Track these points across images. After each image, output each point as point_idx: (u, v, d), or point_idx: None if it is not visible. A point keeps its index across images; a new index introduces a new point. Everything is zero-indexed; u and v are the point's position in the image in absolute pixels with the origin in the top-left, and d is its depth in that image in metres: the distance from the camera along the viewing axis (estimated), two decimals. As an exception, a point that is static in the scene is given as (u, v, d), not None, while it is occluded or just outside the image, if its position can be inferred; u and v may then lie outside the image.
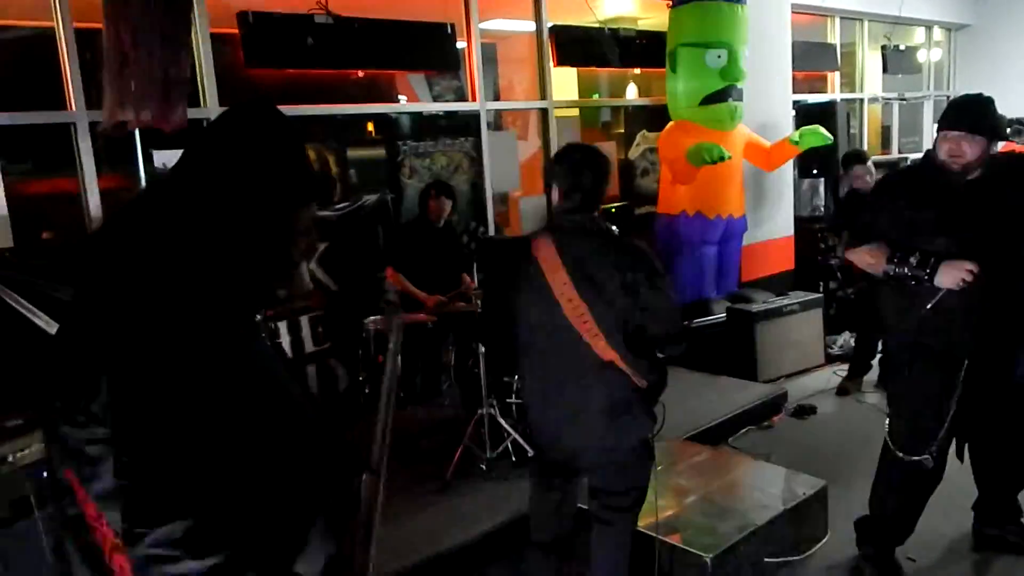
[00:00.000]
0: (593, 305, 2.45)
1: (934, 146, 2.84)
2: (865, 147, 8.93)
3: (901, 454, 2.92)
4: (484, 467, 3.80)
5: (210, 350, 1.18)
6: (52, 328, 3.52)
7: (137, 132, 4.30)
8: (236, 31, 4.44)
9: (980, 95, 2.82)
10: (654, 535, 2.95)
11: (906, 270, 2.73)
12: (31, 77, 4.23)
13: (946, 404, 2.82)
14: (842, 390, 5.35)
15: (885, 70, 8.95)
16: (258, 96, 1.36)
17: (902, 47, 9.10)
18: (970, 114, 2.77)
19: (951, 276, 2.64)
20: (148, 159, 4.42)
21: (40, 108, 3.95)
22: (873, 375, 5.38)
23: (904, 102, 9.38)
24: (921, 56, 9.80)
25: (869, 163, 5.31)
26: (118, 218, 1.30)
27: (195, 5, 4.17)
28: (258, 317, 1.43)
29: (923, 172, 2.92)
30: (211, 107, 4.36)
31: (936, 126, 2.94)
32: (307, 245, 1.35)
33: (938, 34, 10.09)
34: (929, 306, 2.69)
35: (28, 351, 3.49)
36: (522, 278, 2.54)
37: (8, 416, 2.89)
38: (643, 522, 3.06)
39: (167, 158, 4.29)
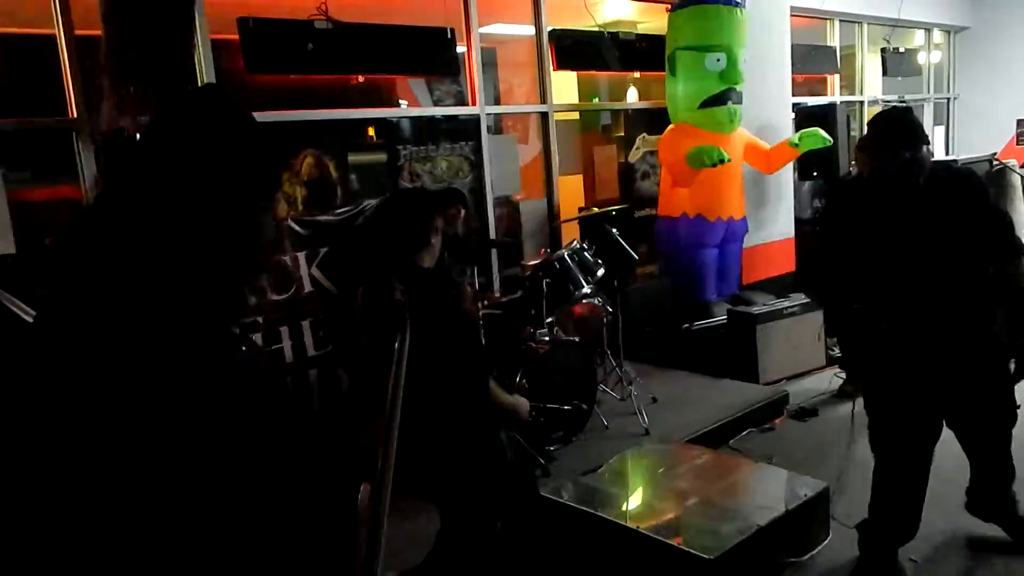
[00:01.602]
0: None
1: (879, 162, 2.97)
2: (865, 149, 8.94)
3: (876, 455, 3.06)
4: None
5: (179, 368, 1.06)
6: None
7: (138, 138, 4.32)
8: (236, 37, 4.45)
9: (900, 110, 2.97)
10: (656, 537, 2.96)
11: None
12: (32, 84, 4.24)
13: (913, 408, 2.92)
14: (843, 392, 5.35)
15: (885, 72, 8.97)
16: (206, 84, 1.28)
17: (902, 49, 9.12)
18: (911, 134, 2.88)
19: None
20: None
21: (41, 114, 3.96)
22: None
23: (904, 104, 9.37)
24: (921, 58, 9.81)
25: None
26: (68, 236, 1.15)
27: (195, 11, 4.19)
28: (236, 330, 1.27)
29: (876, 181, 3.02)
30: (212, 113, 4.37)
31: (939, 129, 3.06)
32: (273, 245, 1.26)
33: (937, 36, 10.11)
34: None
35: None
36: None
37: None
38: (645, 524, 3.07)
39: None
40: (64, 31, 3.91)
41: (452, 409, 2.51)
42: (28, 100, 4.10)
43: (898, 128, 2.89)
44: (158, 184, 1.12)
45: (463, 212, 4.51)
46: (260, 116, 4.79)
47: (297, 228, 4.50)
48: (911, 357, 2.90)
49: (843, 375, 5.53)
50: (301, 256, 4.50)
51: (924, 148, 2.86)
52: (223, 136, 1.14)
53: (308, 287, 4.52)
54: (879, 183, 2.95)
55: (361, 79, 5.34)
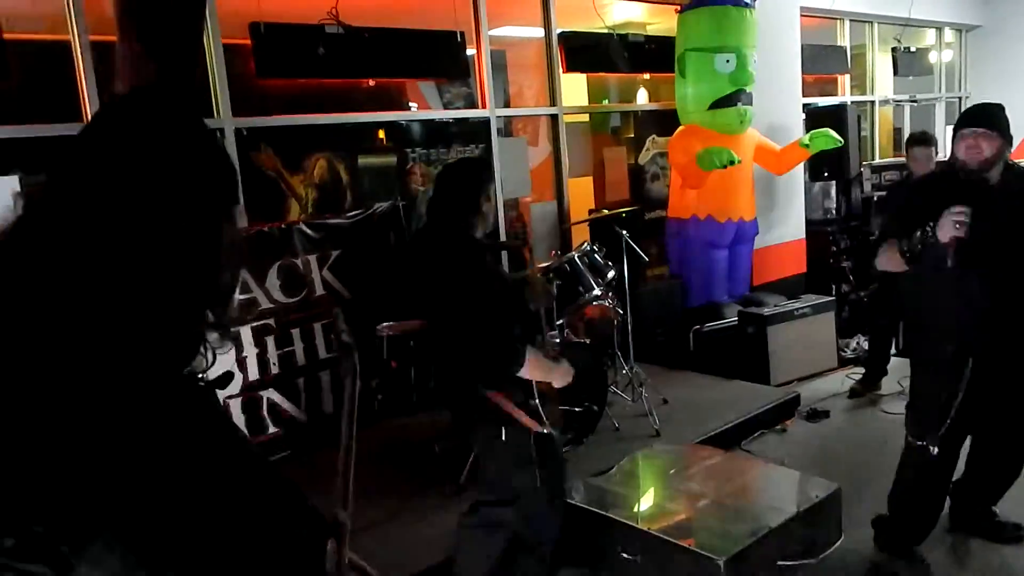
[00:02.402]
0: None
1: (953, 151, 2.95)
2: (876, 150, 8.92)
3: (910, 437, 3.08)
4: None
5: (119, 421, 0.90)
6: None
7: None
8: (248, 42, 4.49)
9: (992, 103, 2.97)
10: (668, 538, 2.96)
11: (916, 241, 2.79)
12: (47, 90, 4.29)
13: (950, 399, 2.90)
14: (854, 392, 5.34)
15: (896, 72, 8.92)
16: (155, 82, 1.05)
17: (913, 49, 9.07)
18: (984, 114, 2.92)
19: (947, 226, 2.68)
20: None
21: (56, 120, 4.00)
22: (884, 379, 5.36)
23: (915, 104, 9.34)
24: (932, 58, 9.76)
25: (931, 149, 4.84)
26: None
27: (207, 16, 4.23)
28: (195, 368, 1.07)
29: (947, 175, 3.00)
30: (224, 117, 4.41)
31: (951, 129, 3.05)
32: (237, 265, 1.09)
33: (949, 35, 10.05)
34: (950, 263, 2.70)
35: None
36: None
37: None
38: (657, 525, 3.07)
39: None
40: (79, 37, 3.95)
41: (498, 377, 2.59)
42: (44, 106, 4.14)
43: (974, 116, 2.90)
44: (90, 192, 0.94)
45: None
46: (271, 120, 4.85)
47: (308, 231, 4.53)
48: (974, 347, 2.87)
49: (855, 375, 5.52)
50: (313, 259, 4.53)
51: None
52: (164, 142, 0.98)
53: (320, 290, 4.55)
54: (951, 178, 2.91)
55: (372, 83, 5.36)
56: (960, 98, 10.31)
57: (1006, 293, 2.82)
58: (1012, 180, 2.87)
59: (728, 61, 5.75)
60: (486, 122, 5.61)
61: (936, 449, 2.95)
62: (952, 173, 2.93)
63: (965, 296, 2.82)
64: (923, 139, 4.88)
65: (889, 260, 2.95)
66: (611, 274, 4.55)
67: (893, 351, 5.36)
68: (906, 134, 9.45)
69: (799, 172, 7.06)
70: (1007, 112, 2.97)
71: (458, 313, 2.52)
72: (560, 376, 2.75)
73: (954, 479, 3.23)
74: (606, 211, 5.59)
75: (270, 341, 4.31)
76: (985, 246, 2.75)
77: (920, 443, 3.01)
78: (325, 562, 1.19)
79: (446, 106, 5.96)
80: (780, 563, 3.08)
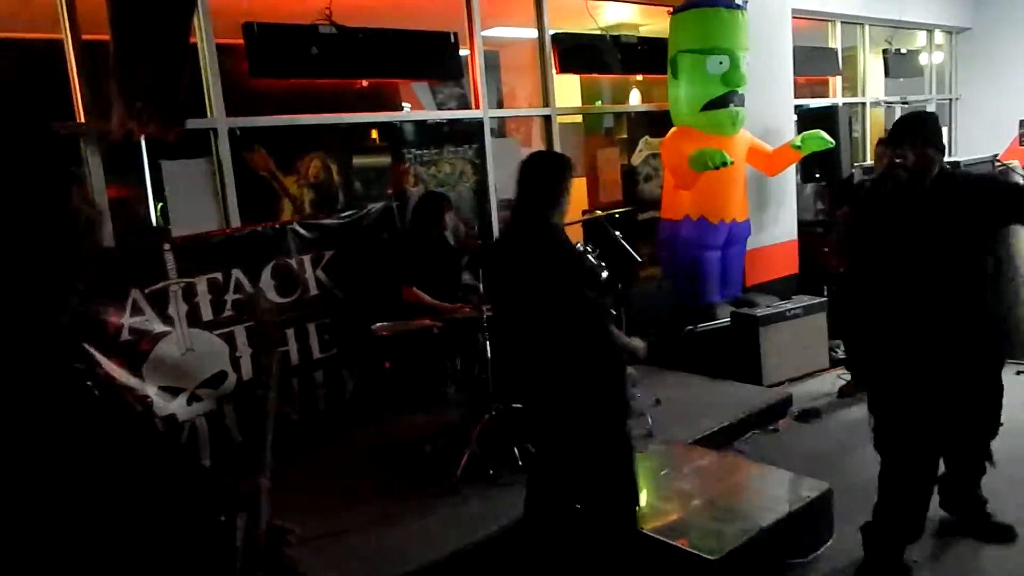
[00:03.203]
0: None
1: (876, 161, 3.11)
2: (867, 151, 8.95)
3: (881, 456, 3.10)
4: (491, 472, 3.82)
5: None
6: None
7: (144, 142, 4.35)
8: (241, 42, 4.48)
9: (921, 111, 3.08)
10: (660, 538, 2.97)
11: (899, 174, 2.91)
12: (39, 89, 4.27)
13: (917, 407, 2.95)
14: (843, 392, 5.37)
15: (887, 74, 8.97)
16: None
17: (903, 51, 9.12)
18: (913, 127, 3.01)
19: None
20: (155, 168, 4.46)
21: (49, 119, 3.98)
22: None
23: (906, 105, 9.39)
24: (923, 59, 9.81)
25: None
26: None
27: (200, 17, 4.22)
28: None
29: (887, 179, 3.08)
30: (217, 117, 4.40)
31: (945, 131, 3.15)
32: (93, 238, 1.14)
33: (939, 37, 10.11)
34: None
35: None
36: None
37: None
38: (649, 525, 3.09)
39: (175, 167, 4.34)
40: (71, 36, 3.94)
41: (587, 360, 2.69)
42: (36, 105, 4.12)
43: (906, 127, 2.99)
44: None
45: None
46: (265, 120, 4.84)
47: (302, 231, 4.53)
48: (918, 358, 2.94)
49: (846, 376, 5.55)
50: (307, 259, 4.53)
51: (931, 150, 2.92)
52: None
53: (314, 290, 4.55)
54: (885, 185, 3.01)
55: (365, 83, 5.37)
56: (951, 99, 10.37)
57: (945, 295, 2.90)
58: (944, 186, 2.94)
59: (720, 63, 5.77)
60: (479, 123, 5.61)
61: (913, 462, 3.01)
62: (893, 178, 3.03)
63: (908, 304, 2.91)
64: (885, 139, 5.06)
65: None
66: (604, 275, 4.56)
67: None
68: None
69: (791, 173, 7.08)
70: (994, 111, 3.07)
71: (569, 297, 2.61)
72: (637, 351, 2.88)
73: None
74: (599, 212, 5.60)
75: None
76: (920, 251, 2.87)
77: (890, 467, 3.07)
78: (235, 536, 1.24)
79: (439, 107, 5.97)
80: (772, 562, 3.11)
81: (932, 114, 3.15)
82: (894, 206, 2.96)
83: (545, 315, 2.67)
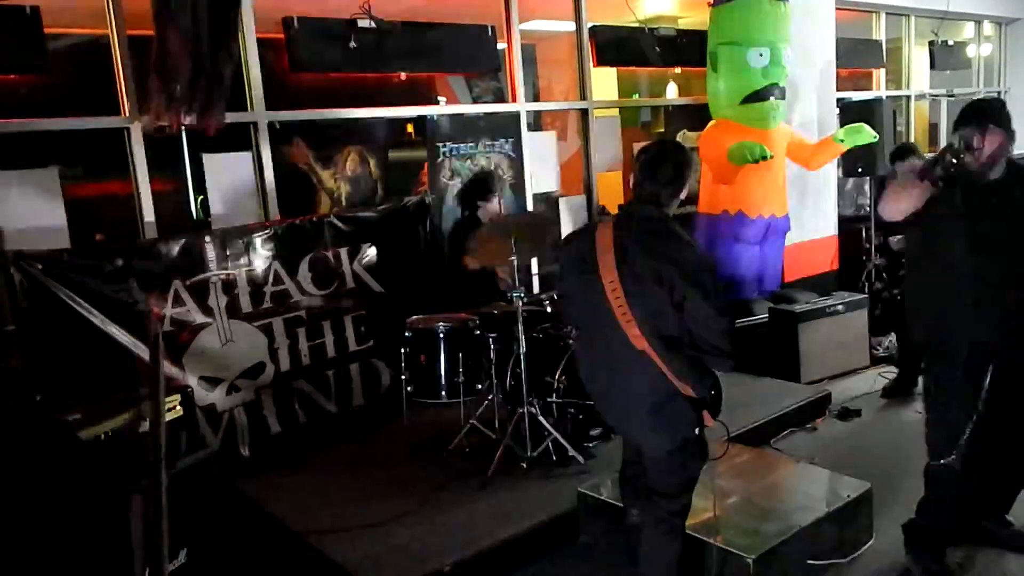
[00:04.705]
0: (630, 290, 2.55)
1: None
2: (912, 145, 8.76)
3: (929, 459, 2.99)
4: (525, 466, 3.82)
5: None
6: (107, 326, 3.65)
7: (184, 136, 4.43)
8: (281, 36, 4.53)
9: (994, 98, 2.90)
10: (697, 536, 2.95)
11: (948, 161, 2.62)
12: (86, 83, 4.36)
13: (972, 407, 2.82)
14: (888, 391, 5.27)
15: (933, 66, 8.76)
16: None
17: (950, 43, 8.91)
18: (982, 111, 2.81)
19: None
20: (196, 161, 4.53)
21: (94, 113, 4.07)
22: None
23: (953, 99, 9.16)
24: (970, 51, 9.57)
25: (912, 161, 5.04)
26: None
27: (241, 11, 4.27)
28: None
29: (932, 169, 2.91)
30: (258, 111, 4.45)
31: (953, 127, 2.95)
32: None
33: (988, 29, 9.85)
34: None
35: (84, 346, 3.62)
36: (581, 259, 2.70)
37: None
38: (687, 522, 3.06)
39: (216, 161, 4.40)
40: (117, 31, 4.01)
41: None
42: (82, 99, 4.21)
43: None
44: None
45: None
46: (303, 114, 4.90)
47: (339, 224, 4.57)
48: (983, 352, 2.80)
49: (889, 374, 5.45)
50: (343, 252, 4.57)
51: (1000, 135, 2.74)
52: None
53: (351, 283, 4.58)
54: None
55: (402, 77, 5.39)
56: (999, 92, 10.10)
57: (1015, 294, 2.76)
58: (1014, 177, 2.80)
59: (761, 55, 5.68)
60: (516, 116, 5.60)
61: (959, 464, 2.86)
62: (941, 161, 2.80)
63: (980, 296, 2.76)
64: (915, 150, 5.17)
65: (901, 197, 2.79)
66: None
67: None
68: (943, 129, 9.33)
69: (832, 168, 6.97)
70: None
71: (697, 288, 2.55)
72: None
73: None
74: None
75: (301, 333, 4.36)
76: (996, 245, 2.72)
77: (939, 463, 2.92)
78: (130, 517, 1.25)
79: (475, 100, 5.97)
80: (809, 562, 3.06)
81: (1001, 100, 2.93)
82: (961, 196, 2.76)
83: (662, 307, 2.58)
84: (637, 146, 6.94)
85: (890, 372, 5.47)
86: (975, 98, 2.96)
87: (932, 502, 3.04)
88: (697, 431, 2.68)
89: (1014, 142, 2.85)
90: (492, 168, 5.44)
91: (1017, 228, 2.75)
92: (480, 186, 4.91)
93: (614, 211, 5.89)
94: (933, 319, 2.95)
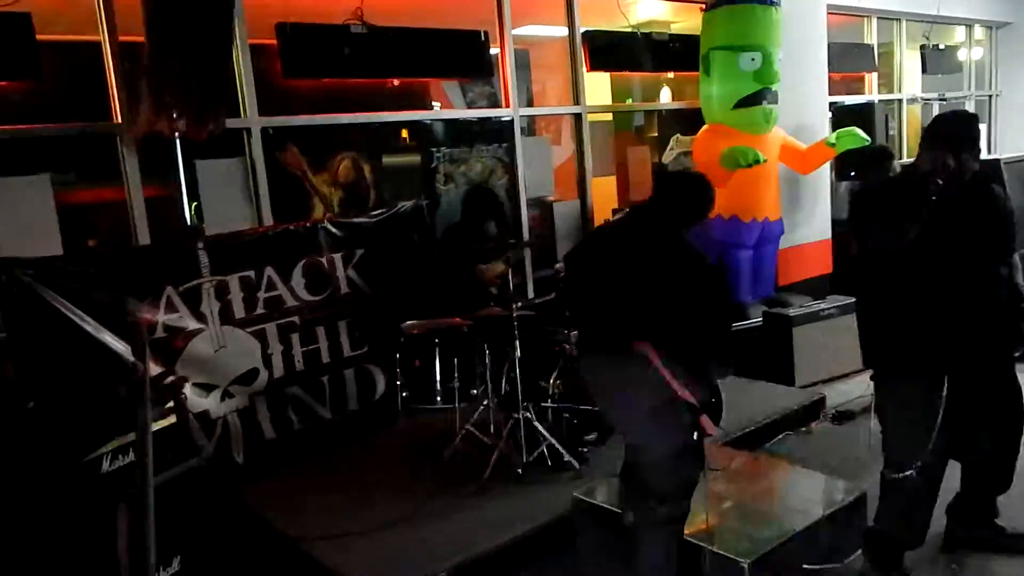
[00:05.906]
0: (632, 294, 2.60)
1: (917, 159, 2.97)
2: (904, 148, 8.81)
3: (886, 471, 3.03)
4: (520, 471, 3.81)
5: None
6: (100, 333, 3.63)
7: (178, 141, 4.41)
8: (275, 42, 4.52)
9: (963, 111, 2.95)
10: (692, 540, 2.95)
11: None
12: (78, 89, 4.35)
13: (930, 419, 2.85)
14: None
15: (924, 70, 8.81)
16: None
17: (941, 46, 8.95)
18: (954, 133, 2.89)
19: None
20: (190, 167, 4.52)
21: (86, 119, 4.06)
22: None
23: (944, 102, 9.21)
24: (961, 55, 9.62)
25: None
26: None
27: (235, 17, 4.26)
28: None
29: (905, 184, 3.02)
30: (251, 117, 4.45)
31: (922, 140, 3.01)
32: None
33: (979, 32, 9.91)
34: None
35: (77, 353, 3.60)
36: (587, 262, 2.81)
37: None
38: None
39: (209, 167, 4.39)
40: (108, 37, 4.00)
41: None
42: (73, 105, 4.20)
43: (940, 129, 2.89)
44: None
45: None
46: (297, 120, 4.90)
47: (333, 230, 4.56)
48: (930, 355, 2.85)
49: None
50: (338, 257, 4.56)
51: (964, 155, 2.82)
52: None
53: (345, 288, 4.57)
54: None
55: (396, 82, 5.39)
56: (990, 96, 10.15)
57: (973, 302, 2.81)
58: (971, 188, 2.85)
59: (753, 59, 5.70)
60: (509, 121, 5.61)
61: (916, 474, 2.90)
62: (914, 180, 2.92)
63: (935, 308, 2.80)
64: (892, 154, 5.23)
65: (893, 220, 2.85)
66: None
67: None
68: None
69: (825, 171, 6.99)
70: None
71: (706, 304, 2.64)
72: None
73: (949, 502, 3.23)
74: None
75: (295, 339, 4.34)
76: (948, 255, 2.76)
77: (897, 475, 2.96)
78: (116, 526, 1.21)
79: (469, 105, 5.97)
80: (805, 567, 3.06)
81: (972, 115, 3.01)
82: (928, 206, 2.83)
83: (667, 320, 2.62)
84: (631, 151, 7.00)
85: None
86: (948, 111, 3.01)
87: (888, 511, 3.06)
88: (696, 436, 2.68)
89: (977, 153, 2.91)
90: (488, 175, 5.46)
91: (967, 239, 2.79)
92: (491, 202, 5.00)
93: (606, 215, 5.90)
94: (887, 337, 2.97)
